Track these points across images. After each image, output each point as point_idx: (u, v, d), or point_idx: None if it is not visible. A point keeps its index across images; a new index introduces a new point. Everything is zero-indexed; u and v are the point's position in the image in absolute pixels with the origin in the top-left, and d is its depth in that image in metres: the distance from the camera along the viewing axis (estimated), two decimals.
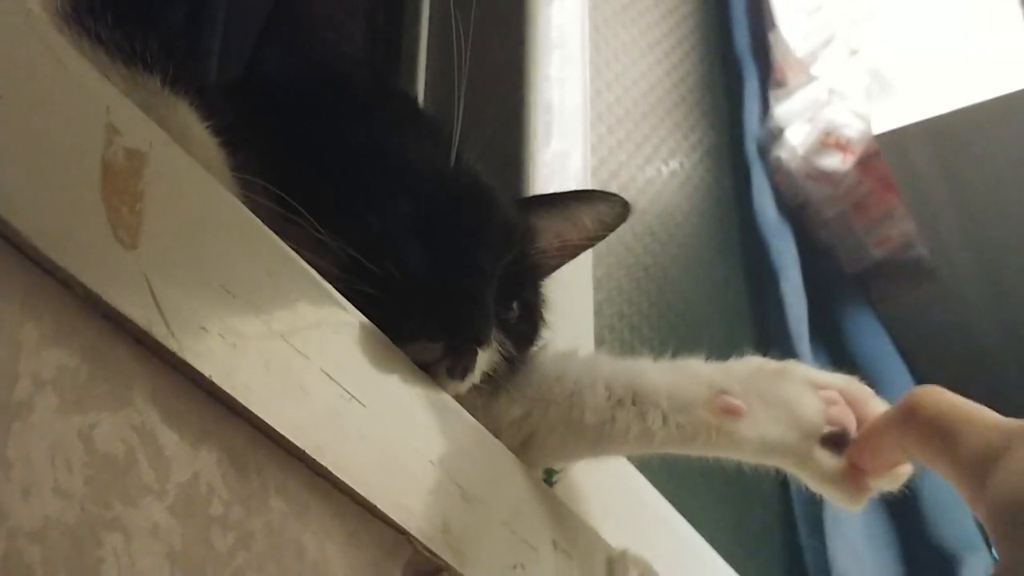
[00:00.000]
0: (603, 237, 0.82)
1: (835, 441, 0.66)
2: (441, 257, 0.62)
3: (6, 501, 0.35)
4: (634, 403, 0.68)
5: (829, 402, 0.67)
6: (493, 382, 0.68)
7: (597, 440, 0.69)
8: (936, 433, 0.55)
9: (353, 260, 0.58)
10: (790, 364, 0.70)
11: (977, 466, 0.51)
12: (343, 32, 0.70)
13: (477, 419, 0.64)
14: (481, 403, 0.67)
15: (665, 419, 0.67)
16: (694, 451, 0.69)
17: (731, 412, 0.67)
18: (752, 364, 0.70)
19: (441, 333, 0.60)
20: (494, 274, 0.65)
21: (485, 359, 0.65)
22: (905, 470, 0.65)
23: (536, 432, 0.69)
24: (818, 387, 0.68)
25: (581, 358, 0.74)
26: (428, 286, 0.60)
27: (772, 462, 0.69)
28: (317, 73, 0.68)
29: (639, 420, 0.68)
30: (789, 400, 0.68)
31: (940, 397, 0.56)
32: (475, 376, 0.63)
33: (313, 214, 0.56)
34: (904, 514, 1.76)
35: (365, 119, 0.66)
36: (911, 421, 0.57)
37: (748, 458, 0.69)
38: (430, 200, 0.64)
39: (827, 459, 0.66)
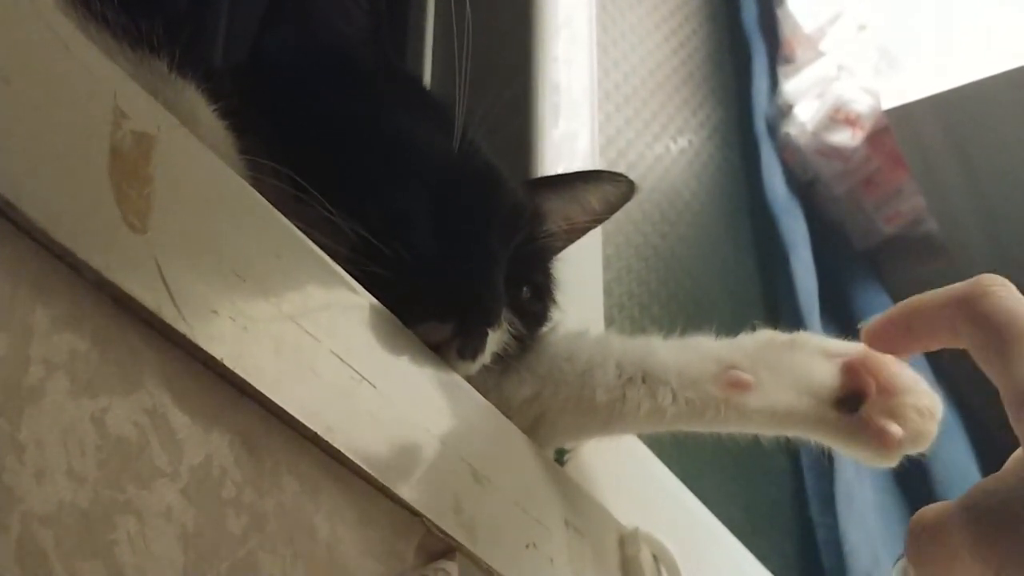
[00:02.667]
0: (609, 217, 0.82)
1: (852, 404, 0.66)
2: (451, 238, 0.62)
3: (20, 485, 0.35)
4: (644, 381, 0.68)
5: (846, 368, 0.67)
6: (504, 362, 0.68)
7: (608, 418, 0.69)
8: (994, 335, 0.50)
9: (363, 240, 0.58)
10: (801, 335, 0.70)
11: None
12: (347, 13, 0.70)
13: (488, 399, 0.64)
14: (492, 383, 0.67)
15: (675, 396, 0.68)
16: (706, 427, 0.69)
17: (739, 386, 0.67)
18: (762, 337, 0.70)
19: (451, 314, 0.60)
20: (504, 255, 0.65)
21: (496, 340, 0.65)
22: (931, 431, 0.65)
23: (547, 411, 0.69)
24: (831, 355, 0.68)
25: (592, 338, 0.74)
26: (438, 267, 0.60)
27: (788, 431, 0.69)
28: (322, 54, 0.68)
29: (650, 398, 0.68)
30: (800, 368, 0.67)
31: (1011, 298, 0.51)
32: (486, 357, 0.63)
33: (321, 194, 0.56)
34: (916, 490, 1.76)
35: (371, 100, 0.66)
36: (973, 307, 0.52)
37: (762, 430, 0.69)
38: (439, 181, 0.64)
39: (845, 420, 0.66)
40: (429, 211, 0.63)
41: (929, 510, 0.51)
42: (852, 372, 0.66)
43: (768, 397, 0.67)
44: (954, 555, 0.47)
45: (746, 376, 0.67)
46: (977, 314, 0.51)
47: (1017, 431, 0.48)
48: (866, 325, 0.59)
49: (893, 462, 0.66)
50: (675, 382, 0.68)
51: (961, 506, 0.47)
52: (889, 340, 0.58)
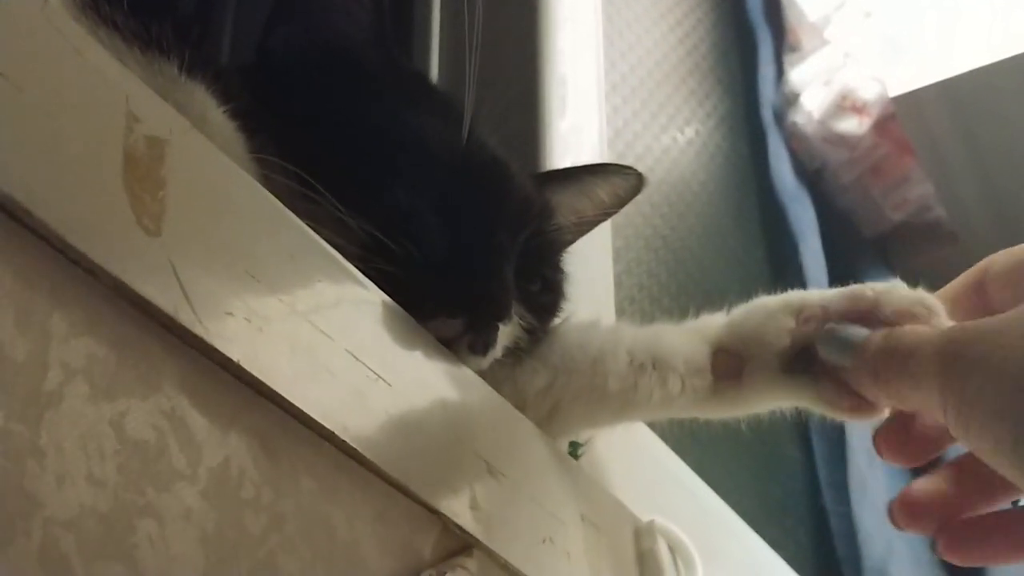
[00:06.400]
0: (618, 210, 0.82)
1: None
2: (460, 234, 0.62)
3: (41, 490, 0.35)
4: (655, 368, 0.68)
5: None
6: (516, 355, 0.68)
7: (622, 407, 0.69)
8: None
9: (372, 238, 0.58)
10: (790, 297, 0.67)
11: None
12: (349, 12, 0.70)
13: (502, 393, 0.64)
14: (505, 376, 0.67)
15: (683, 383, 0.68)
16: (716, 414, 0.69)
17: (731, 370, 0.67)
18: (755, 312, 0.68)
19: (461, 309, 0.60)
20: (513, 249, 0.65)
21: (507, 334, 0.65)
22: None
23: (561, 401, 0.69)
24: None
25: (604, 327, 0.73)
26: (448, 263, 0.60)
27: (791, 404, 0.68)
28: (325, 54, 0.68)
29: (660, 386, 0.68)
30: (775, 328, 0.66)
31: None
32: (497, 351, 0.63)
33: (331, 193, 0.57)
34: None
35: (378, 97, 0.66)
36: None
37: (769, 407, 0.68)
38: (447, 177, 0.64)
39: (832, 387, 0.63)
40: (438, 207, 0.63)
41: (908, 333, 0.51)
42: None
43: (758, 369, 0.66)
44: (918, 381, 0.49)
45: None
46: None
47: None
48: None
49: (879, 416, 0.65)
50: (682, 368, 0.68)
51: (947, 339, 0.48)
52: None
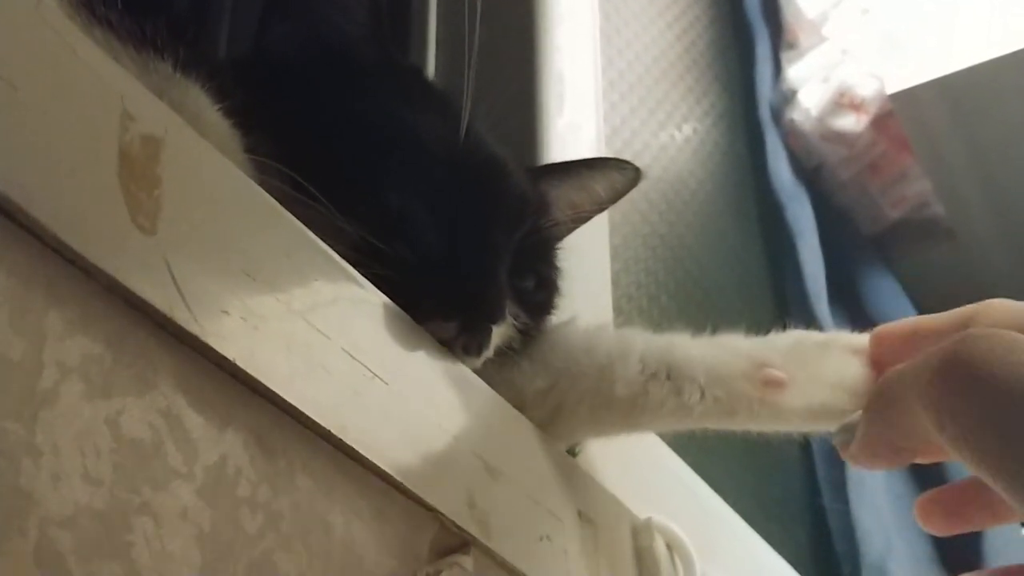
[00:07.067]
0: (614, 203, 0.82)
1: None
2: (453, 234, 0.62)
3: (36, 490, 0.35)
4: (669, 377, 0.67)
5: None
6: (508, 354, 0.68)
7: (629, 414, 0.68)
8: None
9: (365, 241, 0.58)
10: (833, 334, 0.69)
11: None
12: (349, 7, 0.70)
13: (500, 392, 0.64)
14: (504, 377, 0.67)
15: (703, 393, 0.66)
16: (735, 425, 0.67)
17: (773, 384, 0.66)
18: (792, 336, 0.69)
19: (455, 312, 0.60)
20: (507, 249, 0.65)
21: (500, 334, 0.65)
22: None
23: (564, 404, 0.69)
24: (860, 351, 0.67)
25: (613, 332, 0.73)
26: (442, 264, 0.60)
27: (821, 428, 0.68)
28: (320, 52, 0.68)
29: (675, 395, 0.66)
30: (830, 365, 0.66)
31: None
32: (490, 351, 0.63)
33: (324, 194, 0.56)
34: (928, 476, 1.76)
35: (373, 95, 0.66)
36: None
37: (794, 428, 0.68)
38: (441, 176, 0.64)
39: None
40: (433, 206, 0.63)
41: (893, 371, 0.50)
42: (880, 364, 0.66)
43: (804, 396, 0.66)
44: (910, 406, 0.46)
45: (780, 374, 0.66)
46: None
47: None
48: (875, 331, 0.61)
49: None
50: (703, 379, 0.66)
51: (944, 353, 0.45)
52: (893, 350, 0.59)
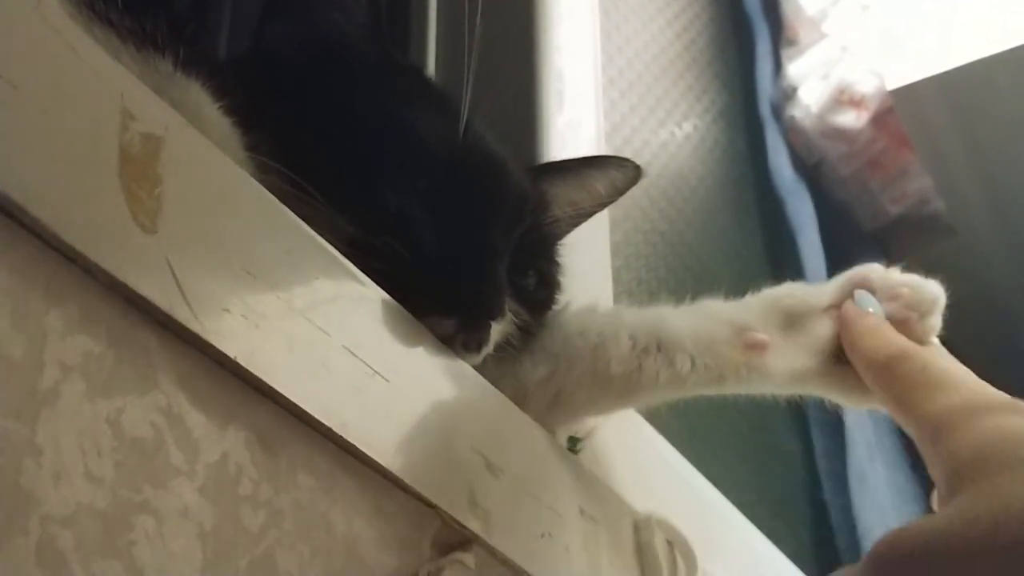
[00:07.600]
0: (614, 201, 0.82)
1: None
2: (452, 232, 0.62)
3: (38, 488, 0.35)
4: (659, 349, 0.68)
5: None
6: (509, 350, 0.68)
7: (625, 390, 0.69)
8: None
9: (364, 239, 0.58)
10: (801, 292, 0.70)
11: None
12: (348, 6, 0.70)
13: (503, 386, 0.65)
14: (506, 370, 0.67)
15: (694, 362, 0.68)
16: (725, 390, 0.69)
17: (758, 346, 0.67)
18: (767, 297, 0.71)
19: (454, 309, 0.60)
20: (506, 246, 0.65)
21: (499, 330, 0.65)
22: (933, 324, 0.66)
23: (563, 389, 0.69)
24: (824, 308, 0.68)
25: (601, 312, 0.74)
26: (440, 262, 0.60)
27: (804, 390, 0.69)
28: (323, 49, 0.68)
29: (668, 366, 0.68)
30: (802, 325, 0.68)
31: None
32: (489, 348, 0.63)
33: (323, 193, 0.56)
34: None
35: (373, 94, 0.66)
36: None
37: (779, 390, 0.69)
38: (441, 174, 0.64)
39: (848, 371, 0.65)
40: (431, 206, 0.63)
41: None
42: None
43: (785, 356, 0.67)
44: None
45: (762, 336, 0.67)
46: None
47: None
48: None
49: None
50: (691, 348, 0.68)
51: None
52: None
